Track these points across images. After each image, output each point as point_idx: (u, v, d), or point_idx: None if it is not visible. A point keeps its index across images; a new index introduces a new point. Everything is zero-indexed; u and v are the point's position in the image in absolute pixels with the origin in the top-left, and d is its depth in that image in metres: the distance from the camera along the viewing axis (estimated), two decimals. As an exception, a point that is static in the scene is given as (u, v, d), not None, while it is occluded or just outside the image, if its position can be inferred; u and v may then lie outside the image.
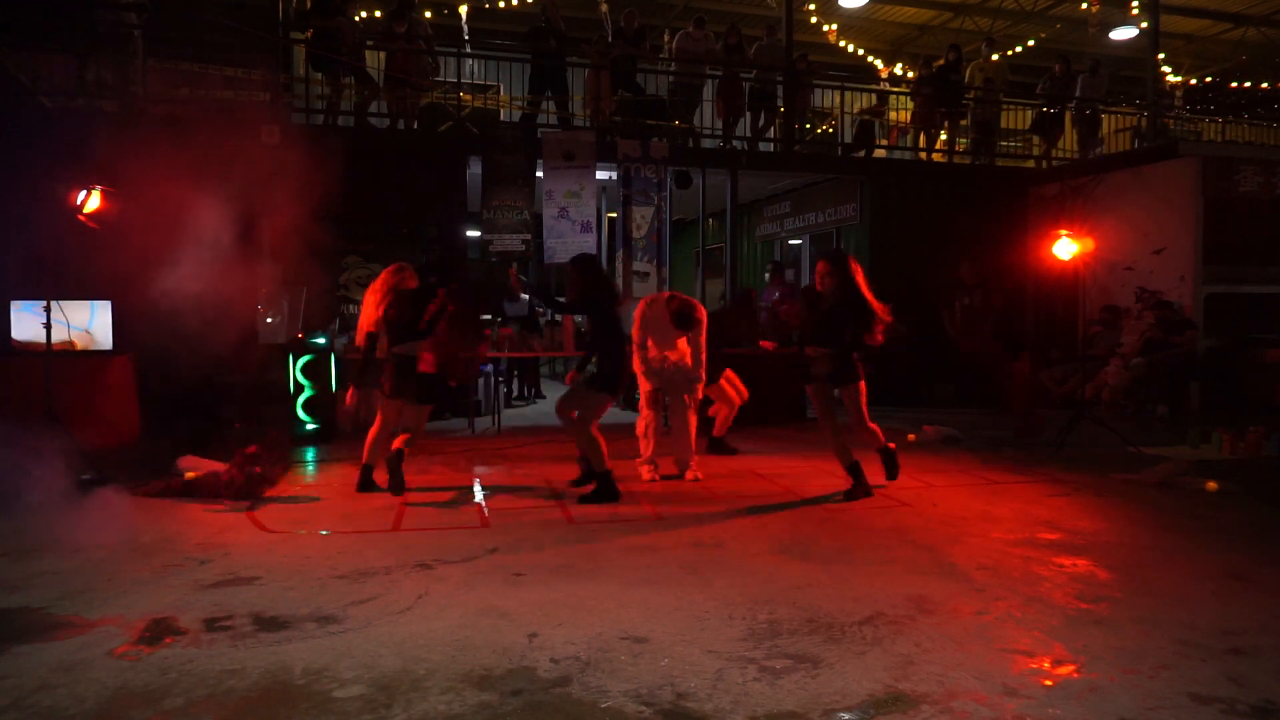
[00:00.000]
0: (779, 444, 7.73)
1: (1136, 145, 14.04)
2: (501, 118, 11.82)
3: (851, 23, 15.61)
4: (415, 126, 10.36)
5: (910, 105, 13.95)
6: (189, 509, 5.22)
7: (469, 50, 13.74)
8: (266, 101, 10.26)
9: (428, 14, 12.30)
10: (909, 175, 12.54)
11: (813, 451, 7.19)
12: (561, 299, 6.03)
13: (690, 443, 6.23)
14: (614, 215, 11.63)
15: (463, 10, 13.61)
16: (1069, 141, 13.88)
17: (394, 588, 3.74)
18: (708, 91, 12.03)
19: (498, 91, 12.72)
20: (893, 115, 15.55)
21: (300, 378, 8.10)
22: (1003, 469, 6.60)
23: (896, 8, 15.51)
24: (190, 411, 8.62)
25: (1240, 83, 17.59)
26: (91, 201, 6.62)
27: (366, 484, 5.75)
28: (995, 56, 13.91)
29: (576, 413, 5.56)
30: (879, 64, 16.28)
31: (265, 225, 9.38)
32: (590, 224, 10.44)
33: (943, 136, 13.43)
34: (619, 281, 10.86)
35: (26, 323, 7.64)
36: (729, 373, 7.17)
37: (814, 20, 14.68)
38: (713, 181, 11.54)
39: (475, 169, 10.16)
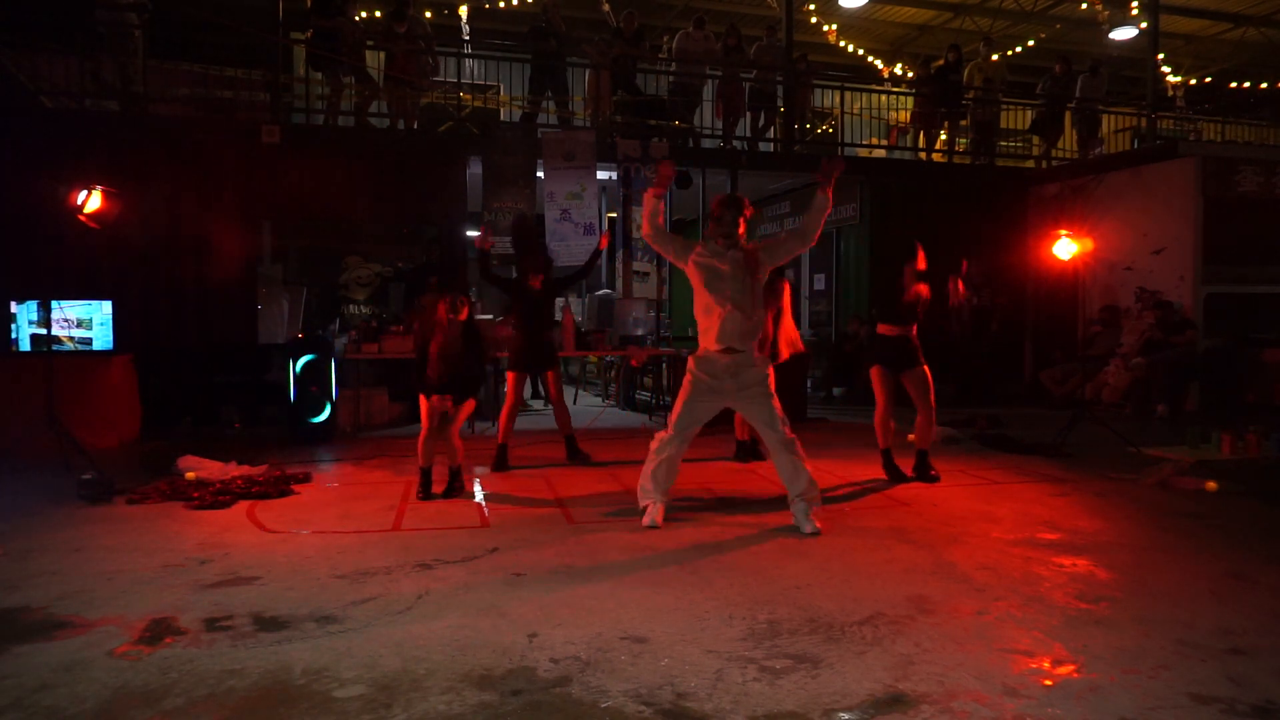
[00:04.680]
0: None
1: (1136, 145, 14.06)
2: (501, 118, 11.83)
3: (851, 23, 15.61)
4: (415, 126, 10.36)
5: (910, 105, 13.97)
6: (189, 509, 5.22)
7: (469, 50, 13.74)
8: (266, 101, 10.28)
9: (428, 14, 12.30)
10: (909, 175, 12.54)
11: (812, 451, 7.17)
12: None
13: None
14: (614, 215, 11.64)
15: (463, 11, 13.60)
16: (1069, 141, 13.89)
17: (394, 588, 3.74)
18: (708, 91, 12.03)
19: (498, 91, 12.73)
20: (893, 115, 15.58)
21: (300, 377, 8.06)
22: (1003, 469, 6.60)
23: (896, 8, 15.51)
24: (190, 411, 8.64)
25: (1240, 83, 17.59)
26: (92, 201, 6.60)
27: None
28: (995, 56, 13.92)
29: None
30: (879, 64, 16.29)
31: (265, 225, 9.40)
32: (593, 226, 10.44)
33: (942, 136, 13.44)
34: (619, 281, 10.87)
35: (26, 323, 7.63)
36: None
37: (814, 20, 14.69)
38: (713, 181, 11.54)
39: (475, 169, 10.16)
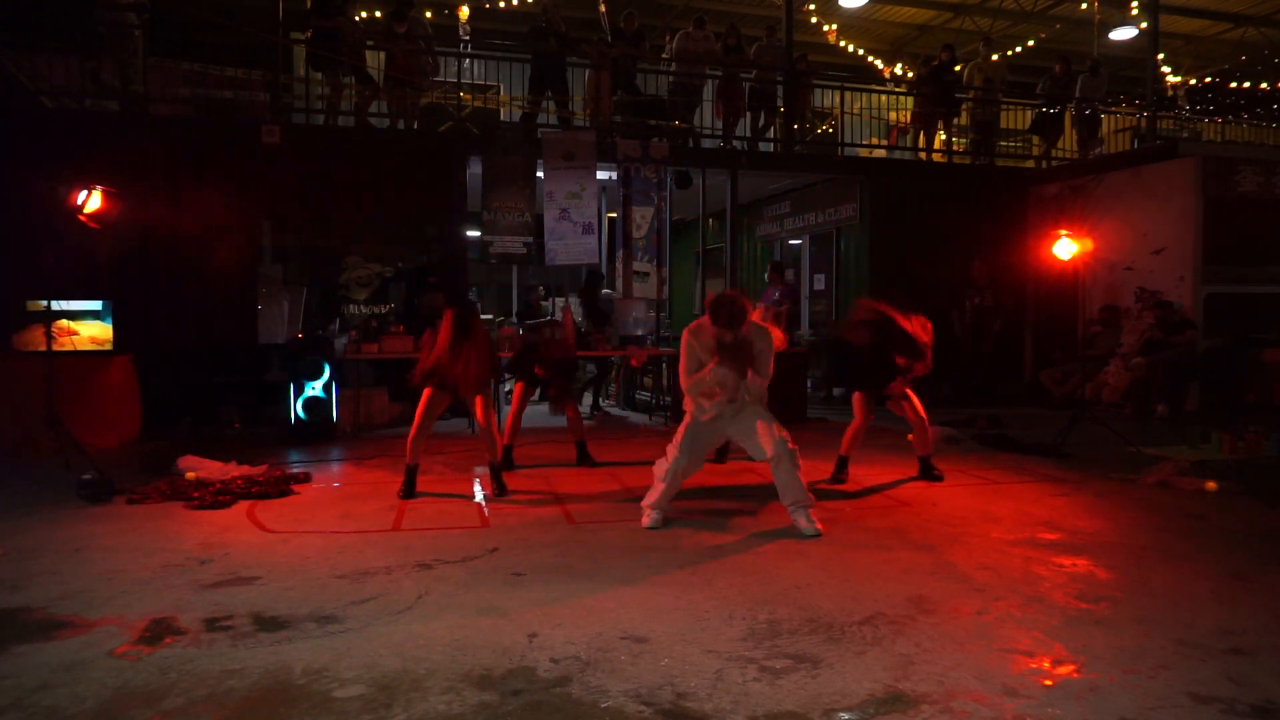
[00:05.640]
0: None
1: (1136, 145, 14.05)
2: (501, 118, 11.82)
3: (851, 23, 15.62)
4: (415, 126, 10.36)
5: (910, 105, 13.97)
6: (189, 509, 5.22)
7: (469, 50, 13.73)
8: (266, 101, 10.28)
9: (428, 14, 12.30)
10: (909, 175, 12.54)
11: (811, 451, 7.18)
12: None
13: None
14: (614, 215, 11.64)
15: (463, 13, 13.60)
16: (1069, 141, 13.89)
17: (394, 588, 3.74)
18: (708, 91, 12.03)
19: (498, 91, 12.73)
20: (893, 115, 15.58)
21: (300, 377, 8.06)
22: (1003, 469, 6.60)
23: (896, 8, 15.51)
24: (190, 411, 8.64)
25: (1240, 83, 17.59)
26: (92, 201, 6.60)
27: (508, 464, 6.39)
28: (995, 56, 13.92)
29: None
30: (879, 64, 16.29)
31: (265, 225, 9.40)
32: (592, 225, 10.44)
33: (942, 136, 13.44)
34: (619, 281, 10.88)
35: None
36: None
37: (814, 20, 14.69)
38: (713, 181, 11.54)
39: (475, 169, 10.16)
